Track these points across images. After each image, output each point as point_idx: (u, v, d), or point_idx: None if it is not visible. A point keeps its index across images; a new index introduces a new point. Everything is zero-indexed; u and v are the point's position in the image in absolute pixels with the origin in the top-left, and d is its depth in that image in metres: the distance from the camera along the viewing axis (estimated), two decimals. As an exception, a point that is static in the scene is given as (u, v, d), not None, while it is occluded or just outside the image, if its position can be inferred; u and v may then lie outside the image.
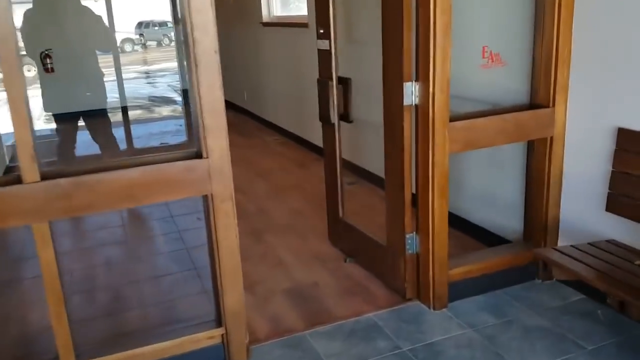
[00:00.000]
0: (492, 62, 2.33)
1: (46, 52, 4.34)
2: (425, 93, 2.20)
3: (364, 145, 4.35)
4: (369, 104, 4.25)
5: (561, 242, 2.51)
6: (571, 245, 2.18)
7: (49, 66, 4.62)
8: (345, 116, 2.91)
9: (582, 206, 2.39)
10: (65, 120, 4.61)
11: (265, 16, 6.20)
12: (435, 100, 2.17)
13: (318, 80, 2.94)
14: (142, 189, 1.76)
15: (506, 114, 2.32)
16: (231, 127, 6.32)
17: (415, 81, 2.25)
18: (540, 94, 2.38)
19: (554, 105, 2.34)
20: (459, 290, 2.41)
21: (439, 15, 2.08)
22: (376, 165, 4.30)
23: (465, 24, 2.71)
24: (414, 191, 2.37)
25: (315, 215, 3.60)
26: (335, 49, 2.83)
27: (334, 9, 2.76)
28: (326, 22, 2.80)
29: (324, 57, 2.91)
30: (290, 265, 2.96)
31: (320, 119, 2.97)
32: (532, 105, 2.41)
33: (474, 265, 2.43)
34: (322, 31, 2.85)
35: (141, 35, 19.50)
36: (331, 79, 2.85)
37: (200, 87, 1.78)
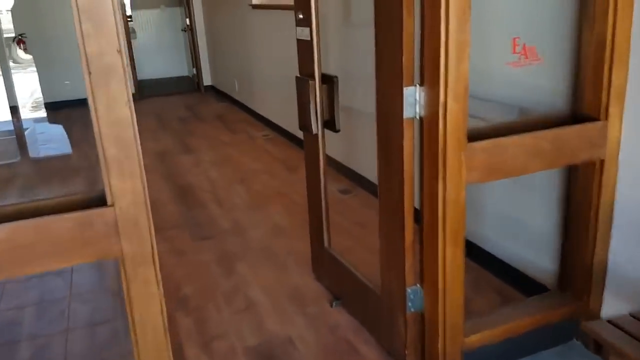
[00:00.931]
0: (526, 59, 1.71)
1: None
2: (433, 102, 1.60)
3: (360, 144, 3.74)
4: (368, 96, 3.64)
5: (608, 294, 1.92)
6: (631, 315, 1.59)
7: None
8: (330, 123, 2.31)
9: (638, 249, 1.80)
10: None
11: (245, -4, 5.56)
12: (448, 113, 1.56)
13: (297, 78, 2.34)
14: (7, 257, 1.18)
15: (542, 131, 1.71)
16: (219, 120, 5.61)
17: (419, 85, 1.65)
18: (588, 102, 1.77)
19: (606, 117, 1.73)
20: None
21: (454, -5, 1.47)
22: (375, 170, 3.73)
23: (487, 6, 2.09)
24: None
25: (299, 235, 3.01)
26: (318, 38, 2.22)
27: (316, -13, 2.14)
28: (306, 3, 2.18)
29: (304, 49, 2.30)
30: (262, 309, 2.38)
31: (300, 128, 2.37)
32: (577, 117, 1.80)
33: (497, 328, 1.84)
34: (301, 16, 2.24)
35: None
36: (312, 77, 2.25)
37: (98, 104, 1.19)
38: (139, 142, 1.26)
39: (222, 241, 3.06)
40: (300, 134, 4.99)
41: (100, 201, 1.27)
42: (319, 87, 2.24)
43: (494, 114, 2.16)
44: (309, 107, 2.25)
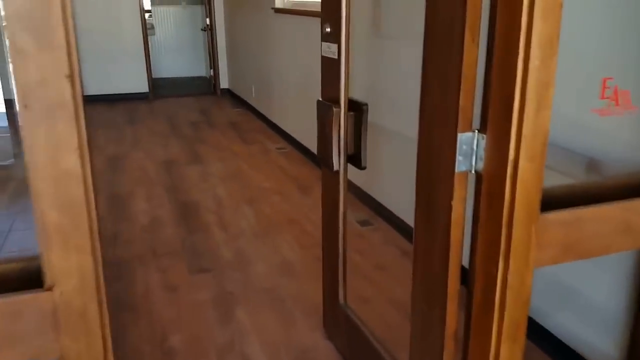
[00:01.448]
0: (617, 106, 1.32)
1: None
2: (498, 156, 1.21)
3: (384, 170, 3.37)
4: (395, 114, 3.27)
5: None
6: None
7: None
8: (355, 158, 1.93)
9: None
10: None
11: (278, 0, 5.21)
12: (520, 173, 1.17)
13: (318, 103, 1.97)
14: None
15: (634, 201, 1.31)
16: (232, 127, 5.11)
17: (479, 132, 1.26)
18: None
19: None
20: None
21: (539, 21, 1.09)
22: (400, 202, 3.38)
23: (571, 35, 1.70)
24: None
25: (309, 275, 2.65)
26: (348, 58, 1.84)
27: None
28: (335, 15, 1.81)
29: (330, 68, 1.93)
30: (261, 373, 2.00)
31: (319, 160, 2.00)
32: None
33: None
34: (328, 30, 1.87)
35: None
36: (337, 102, 1.87)
37: (35, 150, 0.83)
38: (93, 203, 0.89)
39: (222, 276, 2.69)
40: (316, 150, 4.65)
41: (33, 281, 0.91)
42: (345, 115, 1.86)
43: (560, 163, 1.77)
44: (331, 139, 1.88)
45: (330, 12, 1.85)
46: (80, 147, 0.86)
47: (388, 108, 3.27)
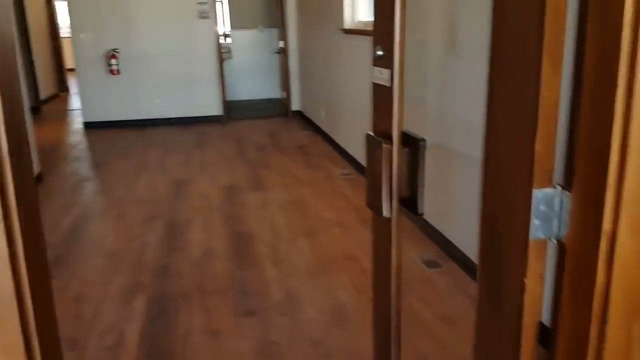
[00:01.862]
0: None
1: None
2: (588, 223, 0.88)
3: (456, 202, 3.03)
4: (471, 136, 2.93)
5: None
6: None
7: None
8: (410, 203, 1.64)
9: None
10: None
11: (347, 21, 5.02)
12: (618, 249, 0.84)
13: (367, 137, 1.69)
14: None
15: None
16: (299, 151, 4.87)
17: (562, 188, 0.94)
18: None
19: None
20: None
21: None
22: (474, 241, 2.87)
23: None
24: None
25: (364, 325, 2.35)
26: (402, 86, 1.57)
27: (403, 14, 1.50)
28: (388, 37, 1.55)
29: (381, 97, 1.65)
30: None
31: (368, 204, 1.72)
32: None
33: None
34: (380, 53, 1.60)
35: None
36: (389, 137, 1.60)
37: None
38: (28, 292, 0.68)
39: (268, 321, 2.46)
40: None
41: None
42: (398, 153, 1.58)
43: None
44: (381, 180, 1.60)
45: (382, 34, 1.59)
46: (6, 217, 0.65)
47: (463, 131, 2.94)
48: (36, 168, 4.73)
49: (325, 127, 6.24)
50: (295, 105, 7.85)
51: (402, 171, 1.61)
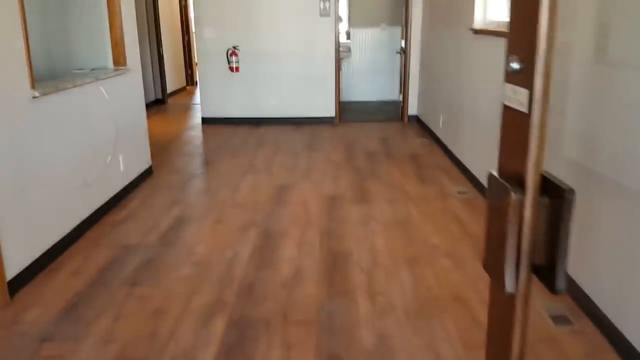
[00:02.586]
0: None
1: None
2: None
3: (601, 246, 2.45)
4: (618, 161, 2.34)
5: None
6: None
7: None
8: (546, 274, 1.18)
9: None
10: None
11: (477, 20, 4.48)
12: None
13: (490, 179, 1.27)
14: None
15: None
16: (411, 161, 4.39)
17: None
18: None
19: None
20: None
21: None
22: (618, 299, 2.27)
23: None
24: None
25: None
26: (545, 112, 1.12)
27: (552, 15, 1.06)
28: (528, 45, 1.11)
29: (514, 125, 1.22)
30: None
31: (486, 268, 1.29)
32: None
33: None
34: (515, 66, 1.17)
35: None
36: (521, 183, 1.16)
37: None
38: None
39: (353, 371, 2.11)
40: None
41: None
42: (533, 205, 1.14)
43: None
44: (507, 241, 1.17)
45: (519, 41, 1.15)
46: None
47: (612, 155, 2.35)
48: (147, 162, 4.80)
49: (442, 136, 5.71)
50: (412, 110, 7.37)
51: (538, 230, 1.17)
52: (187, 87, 11.11)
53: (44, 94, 2.97)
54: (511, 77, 1.25)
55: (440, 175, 4.79)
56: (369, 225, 3.64)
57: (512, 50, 1.23)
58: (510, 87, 1.26)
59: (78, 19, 4.07)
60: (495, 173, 1.33)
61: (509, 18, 1.27)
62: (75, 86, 3.35)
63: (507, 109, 1.29)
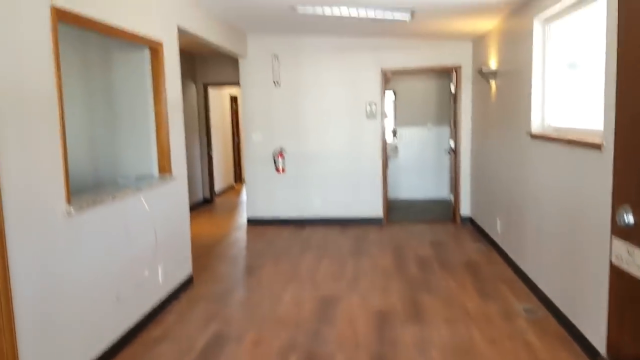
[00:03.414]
0: None
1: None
2: None
3: None
4: None
5: None
6: None
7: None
8: None
9: None
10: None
11: (535, 125, 4.24)
12: None
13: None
14: None
15: None
16: (468, 270, 3.73)
17: None
18: None
19: None
20: None
21: None
22: None
23: None
24: None
25: None
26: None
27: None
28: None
29: (628, 293, 0.91)
30: None
31: None
32: None
33: None
34: (629, 218, 0.88)
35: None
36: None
37: None
38: None
39: None
40: (582, 327, 3.30)
41: None
42: None
43: None
44: None
45: (632, 184, 0.88)
46: None
47: None
48: (188, 270, 4.61)
49: (502, 243, 5.30)
50: (464, 210, 7.02)
51: None
52: (235, 186, 11.20)
53: (80, 209, 2.86)
54: (622, 231, 0.96)
55: (503, 288, 4.34)
56: (424, 352, 3.21)
57: (622, 197, 0.95)
58: (622, 246, 0.96)
59: (127, 127, 4.10)
60: (605, 356, 1.00)
61: (614, 158, 1.00)
62: (114, 199, 3.25)
63: (617, 273, 0.99)
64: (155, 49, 3.98)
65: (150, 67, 4.01)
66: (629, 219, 0.93)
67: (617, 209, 0.97)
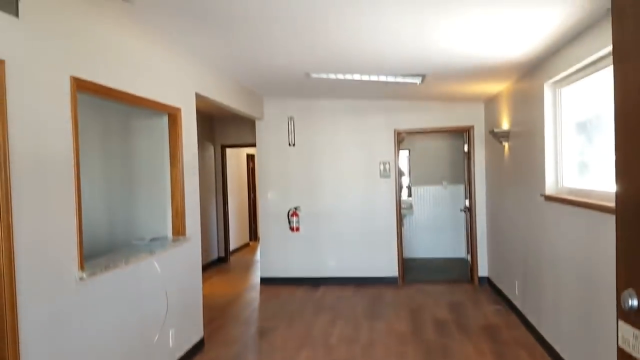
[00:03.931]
0: None
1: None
2: None
3: None
4: None
5: None
6: None
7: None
8: None
9: None
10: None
11: (549, 187, 4.22)
12: None
13: None
14: None
15: None
16: (486, 334, 3.60)
17: None
18: None
19: None
20: None
21: None
22: None
23: None
24: None
25: None
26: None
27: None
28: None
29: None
30: None
31: None
32: None
33: None
34: (634, 302, 0.86)
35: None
36: None
37: None
38: None
39: None
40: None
41: None
42: None
43: None
44: None
45: (635, 269, 0.87)
46: None
47: None
48: (199, 334, 4.55)
49: (520, 306, 5.16)
50: (482, 271, 6.89)
51: None
52: (251, 243, 11.19)
53: (92, 274, 2.88)
54: (629, 315, 0.94)
55: (522, 354, 4.19)
56: None
57: (626, 282, 0.94)
58: (628, 330, 0.94)
59: (143, 190, 4.18)
60: None
61: (616, 241, 1.00)
62: (127, 263, 3.27)
63: (625, 357, 0.96)
64: (173, 115, 4.12)
65: (168, 132, 4.13)
66: (633, 302, 0.91)
67: (621, 292, 0.96)
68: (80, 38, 2.89)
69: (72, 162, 2.78)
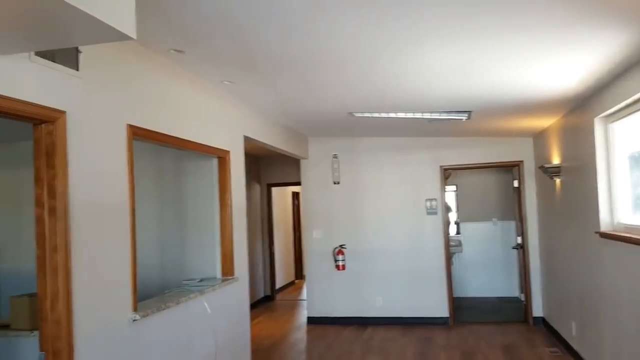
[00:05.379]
0: None
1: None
2: None
3: None
4: None
5: None
6: None
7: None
8: None
9: None
10: None
11: (604, 224, 4.05)
12: None
13: None
14: None
15: None
16: None
17: None
18: None
19: None
20: None
21: None
22: None
23: None
24: None
25: None
26: None
27: None
28: None
29: None
30: None
31: None
32: None
33: None
34: None
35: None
36: None
37: None
38: None
39: None
40: None
41: None
42: None
43: None
44: None
45: None
46: None
47: None
48: (246, 376, 4.54)
49: (578, 348, 4.90)
50: (537, 311, 6.61)
51: None
52: (296, 281, 11.18)
53: (145, 316, 2.95)
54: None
55: (583, 403, 3.96)
56: None
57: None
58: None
59: (194, 231, 4.29)
60: None
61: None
62: (178, 304, 3.34)
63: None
64: (223, 158, 4.24)
65: (217, 175, 4.25)
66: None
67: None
68: (134, 88, 3.05)
69: (128, 208, 2.89)
